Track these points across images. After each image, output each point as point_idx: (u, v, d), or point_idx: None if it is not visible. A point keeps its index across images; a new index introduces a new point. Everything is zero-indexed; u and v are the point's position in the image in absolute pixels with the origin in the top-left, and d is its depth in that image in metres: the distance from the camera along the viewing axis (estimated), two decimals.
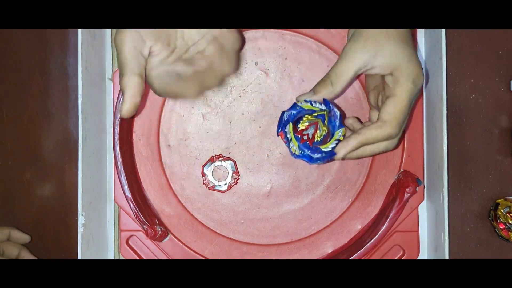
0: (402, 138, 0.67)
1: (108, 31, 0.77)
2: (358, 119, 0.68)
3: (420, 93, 0.66)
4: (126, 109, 0.59)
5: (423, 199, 0.75)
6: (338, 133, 0.63)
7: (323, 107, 0.62)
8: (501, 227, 0.75)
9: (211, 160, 0.76)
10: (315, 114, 0.63)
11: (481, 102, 0.77)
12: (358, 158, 0.64)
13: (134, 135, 0.76)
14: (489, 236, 0.77)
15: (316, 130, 0.63)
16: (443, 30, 0.69)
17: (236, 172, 0.76)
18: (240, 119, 0.76)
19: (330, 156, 0.63)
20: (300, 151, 0.63)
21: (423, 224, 0.76)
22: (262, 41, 0.75)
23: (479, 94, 0.77)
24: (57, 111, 0.77)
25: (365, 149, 0.63)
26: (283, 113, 0.63)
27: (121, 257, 0.76)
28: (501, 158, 0.77)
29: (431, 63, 0.73)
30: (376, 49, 0.61)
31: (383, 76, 0.63)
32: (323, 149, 0.62)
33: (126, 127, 0.74)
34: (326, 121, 0.63)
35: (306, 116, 0.63)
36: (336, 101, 0.74)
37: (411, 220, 0.75)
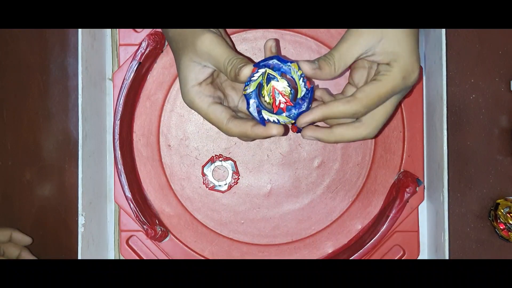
0: (382, 129, 0.64)
1: (108, 31, 0.77)
2: (328, 90, 0.66)
3: (408, 93, 0.64)
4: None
5: (423, 199, 0.75)
6: (294, 71, 0.59)
7: (259, 72, 0.59)
8: (501, 227, 0.75)
9: (211, 160, 0.76)
10: (264, 84, 0.59)
11: (481, 102, 0.77)
12: (336, 142, 0.62)
13: (134, 135, 0.76)
14: (489, 236, 0.77)
15: (280, 92, 0.59)
16: (443, 30, 0.69)
17: (236, 172, 0.76)
18: None
19: (311, 93, 0.59)
20: (293, 117, 0.59)
21: (423, 224, 0.76)
22: (262, 41, 0.75)
23: (479, 94, 0.77)
24: (57, 111, 0.77)
25: (343, 135, 0.61)
26: (249, 112, 0.60)
27: (121, 257, 0.76)
28: (501, 158, 0.77)
29: (431, 63, 0.73)
30: (382, 34, 0.59)
31: (377, 64, 0.61)
32: (301, 97, 0.59)
33: (126, 127, 0.74)
34: (276, 77, 0.59)
35: (262, 93, 0.59)
36: None
37: (411, 220, 0.75)
